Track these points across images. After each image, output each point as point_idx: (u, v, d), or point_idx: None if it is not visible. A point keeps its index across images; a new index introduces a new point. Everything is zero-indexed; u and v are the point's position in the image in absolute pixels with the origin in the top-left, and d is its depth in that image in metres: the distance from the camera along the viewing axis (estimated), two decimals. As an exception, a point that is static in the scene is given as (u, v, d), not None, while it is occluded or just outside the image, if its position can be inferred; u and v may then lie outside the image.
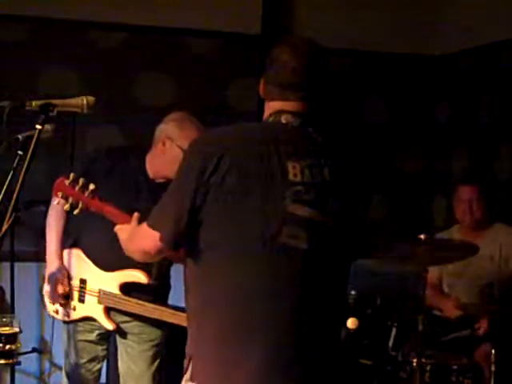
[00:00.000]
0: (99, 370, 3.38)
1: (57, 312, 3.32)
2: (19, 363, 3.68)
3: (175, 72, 5.17)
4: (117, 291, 3.18)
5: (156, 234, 2.11)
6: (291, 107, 2.14)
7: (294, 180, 2.04)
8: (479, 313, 4.11)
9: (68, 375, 3.36)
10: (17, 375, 4.48)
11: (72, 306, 3.28)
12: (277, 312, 2.04)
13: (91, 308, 3.24)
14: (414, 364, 3.66)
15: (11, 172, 2.40)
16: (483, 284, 4.28)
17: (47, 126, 2.50)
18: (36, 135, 2.37)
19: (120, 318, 3.26)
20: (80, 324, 3.30)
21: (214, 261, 2.06)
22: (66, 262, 3.29)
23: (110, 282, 3.18)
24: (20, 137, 2.51)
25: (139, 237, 2.24)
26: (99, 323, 3.24)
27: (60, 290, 3.23)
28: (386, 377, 3.87)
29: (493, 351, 3.69)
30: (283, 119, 2.13)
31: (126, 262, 3.04)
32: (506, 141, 5.08)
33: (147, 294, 3.20)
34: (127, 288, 3.18)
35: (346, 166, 2.18)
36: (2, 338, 2.82)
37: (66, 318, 3.31)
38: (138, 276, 3.14)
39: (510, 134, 5.05)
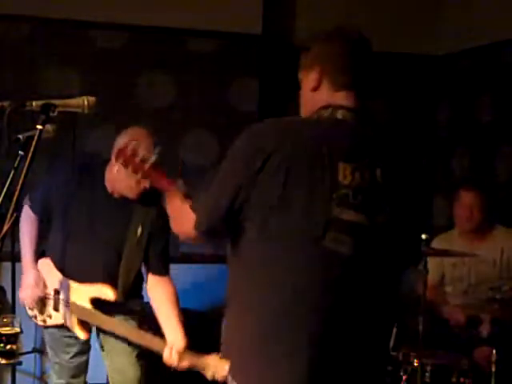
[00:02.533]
0: (86, 362, 3.43)
1: (35, 317, 3.38)
2: (20, 363, 3.69)
3: (175, 72, 5.16)
4: (88, 305, 3.22)
5: (194, 218, 2.07)
6: (343, 100, 2.08)
7: (342, 182, 1.96)
8: (481, 312, 4.12)
9: (55, 371, 3.43)
10: (18, 375, 4.48)
11: (48, 314, 3.34)
12: (319, 320, 1.97)
13: (65, 317, 3.30)
14: (415, 364, 3.66)
15: (12, 172, 2.39)
16: (486, 288, 4.29)
17: (48, 127, 2.49)
18: (37, 135, 2.36)
19: None
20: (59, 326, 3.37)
21: (256, 259, 2.01)
22: (41, 272, 3.34)
23: (81, 295, 3.23)
24: (21, 137, 2.51)
25: (182, 219, 2.17)
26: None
27: (37, 294, 3.28)
28: (386, 377, 3.86)
29: (493, 352, 3.69)
30: (339, 115, 2.06)
31: (94, 275, 3.19)
32: (506, 141, 5.08)
33: (119, 308, 3.26)
34: (98, 302, 3.23)
35: (402, 168, 2.09)
36: (3, 338, 2.82)
37: (44, 324, 3.38)
38: (106, 292, 3.18)
39: (511, 133, 5.05)
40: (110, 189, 3.21)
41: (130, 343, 3.32)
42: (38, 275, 3.30)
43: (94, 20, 4.98)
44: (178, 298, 3.23)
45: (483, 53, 5.27)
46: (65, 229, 3.23)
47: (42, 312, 3.34)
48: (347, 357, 2.02)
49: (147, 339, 3.10)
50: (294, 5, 5.48)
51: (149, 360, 3.36)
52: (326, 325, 1.99)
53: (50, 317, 3.33)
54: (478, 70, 5.37)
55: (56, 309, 3.31)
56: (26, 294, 3.31)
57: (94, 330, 3.40)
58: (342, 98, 2.08)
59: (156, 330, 3.18)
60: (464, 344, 4.07)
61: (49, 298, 3.31)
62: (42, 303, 3.32)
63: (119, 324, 3.19)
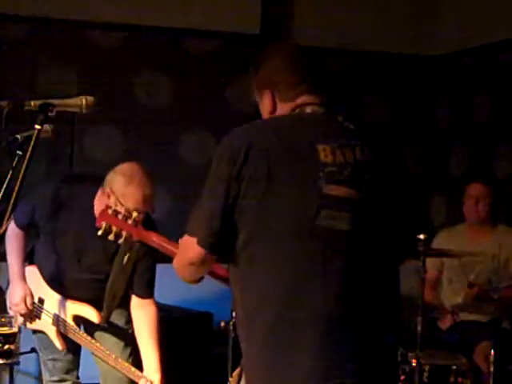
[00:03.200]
0: (78, 358, 3.43)
1: (24, 324, 3.39)
2: (18, 363, 3.67)
3: (174, 72, 5.17)
4: (70, 321, 3.24)
5: (194, 240, 2.02)
6: (309, 100, 2.12)
7: (325, 161, 1.98)
8: (479, 313, 4.14)
9: (48, 368, 3.43)
10: (16, 375, 4.48)
11: (33, 318, 3.36)
12: (324, 300, 1.96)
13: (46, 326, 3.32)
14: (413, 364, 3.66)
15: (10, 172, 2.40)
16: (482, 282, 4.31)
17: (46, 126, 2.49)
18: (35, 135, 2.36)
19: None
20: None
21: (255, 255, 1.99)
22: (27, 279, 3.33)
23: (65, 310, 3.25)
24: (19, 137, 2.51)
25: (182, 249, 2.13)
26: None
27: (25, 310, 3.28)
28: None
29: (492, 351, 3.69)
30: (308, 109, 2.10)
31: (80, 294, 3.21)
32: (504, 140, 5.09)
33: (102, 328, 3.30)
34: (81, 319, 3.27)
35: (381, 149, 2.12)
36: (1, 337, 2.82)
37: (24, 326, 3.39)
38: (91, 314, 3.21)
39: (509, 133, 5.06)
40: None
41: (123, 341, 3.34)
42: (26, 287, 3.29)
43: (93, 20, 4.98)
44: (160, 319, 3.25)
45: (481, 53, 5.27)
46: (51, 251, 3.23)
47: (30, 317, 3.37)
48: (358, 336, 2.00)
49: (124, 368, 3.12)
50: (292, 5, 5.48)
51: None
52: (334, 305, 1.97)
53: (31, 322, 3.36)
54: (477, 70, 5.37)
55: (38, 316, 3.34)
56: (15, 310, 3.31)
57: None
58: (305, 100, 2.12)
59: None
60: (463, 344, 4.08)
61: (34, 307, 3.34)
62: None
63: (98, 347, 3.20)
